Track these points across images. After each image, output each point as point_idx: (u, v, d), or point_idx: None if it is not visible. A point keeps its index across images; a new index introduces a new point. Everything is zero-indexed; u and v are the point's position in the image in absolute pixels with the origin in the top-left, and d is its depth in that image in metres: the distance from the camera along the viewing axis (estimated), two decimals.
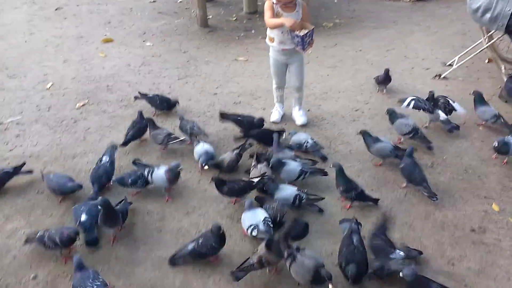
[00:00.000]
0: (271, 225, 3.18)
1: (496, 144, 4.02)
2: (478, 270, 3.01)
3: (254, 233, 3.15)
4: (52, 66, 6.16)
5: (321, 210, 3.50)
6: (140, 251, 3.18)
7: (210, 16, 7.65)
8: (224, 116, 4.49)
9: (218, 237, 3.00)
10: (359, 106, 5.11)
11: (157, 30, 7.44)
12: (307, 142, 4.14)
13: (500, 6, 4.18)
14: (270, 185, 3.55)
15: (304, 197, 3.48)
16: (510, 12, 4.12)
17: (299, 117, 4.75)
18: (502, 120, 4.43)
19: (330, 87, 5.59)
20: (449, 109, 4.52)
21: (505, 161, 4.05)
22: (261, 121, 4.38)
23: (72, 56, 6.46)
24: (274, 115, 4.79)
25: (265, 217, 3.21)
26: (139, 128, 4.29)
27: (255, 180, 3.53)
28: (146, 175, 3.62)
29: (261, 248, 2.91)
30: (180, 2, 8.72)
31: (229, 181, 3.59)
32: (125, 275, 2.98)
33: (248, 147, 4.12)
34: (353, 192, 3.49)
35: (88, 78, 5.82)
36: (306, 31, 4.07)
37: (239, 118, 4.45)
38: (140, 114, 4.40)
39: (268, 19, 4.20)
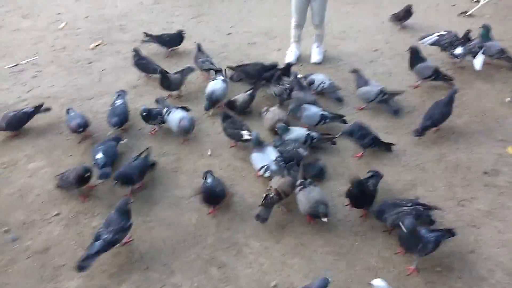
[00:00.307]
0: (283, 164, 3.21)
1: None
2: (488, 212, 3.04)
3: (267, 174, 3.23)
4: (64, 6, 6.05)
5: (333, 143, 3.53)
6: (157, 190, 3.30)
7: None
8: (232, 68, 4.37)
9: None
10: (378, 46, 4.93)
11: None
12: (324, 83, 4.06)
13: None
14: (281, 127, 3.53)
15: (316, 136, 3.49)
16: None
17: (315, 55, 4.64)
18: (507, 55, 4.30)
19: (349, 25, 5.36)
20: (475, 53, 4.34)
21: None
22: (274, 65, 4.25)
23: None
24: (290, 55, 4.67)
25: (277, 157, 3.26)
26: (147, 65, 4.41)
27: (246, 136, 3.48)
28: (163, 115, 3.68)
29: (275, 182, 3.01)
30: None
31: (231, 122, 3.59)
32: (143, 213, 3.12)
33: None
34: (366, 139, 3.42)
35: (101, 18, 5.72)
36: None
37: (246, 66, 4.30)
38: (136, 52, 4.45)
39: None
